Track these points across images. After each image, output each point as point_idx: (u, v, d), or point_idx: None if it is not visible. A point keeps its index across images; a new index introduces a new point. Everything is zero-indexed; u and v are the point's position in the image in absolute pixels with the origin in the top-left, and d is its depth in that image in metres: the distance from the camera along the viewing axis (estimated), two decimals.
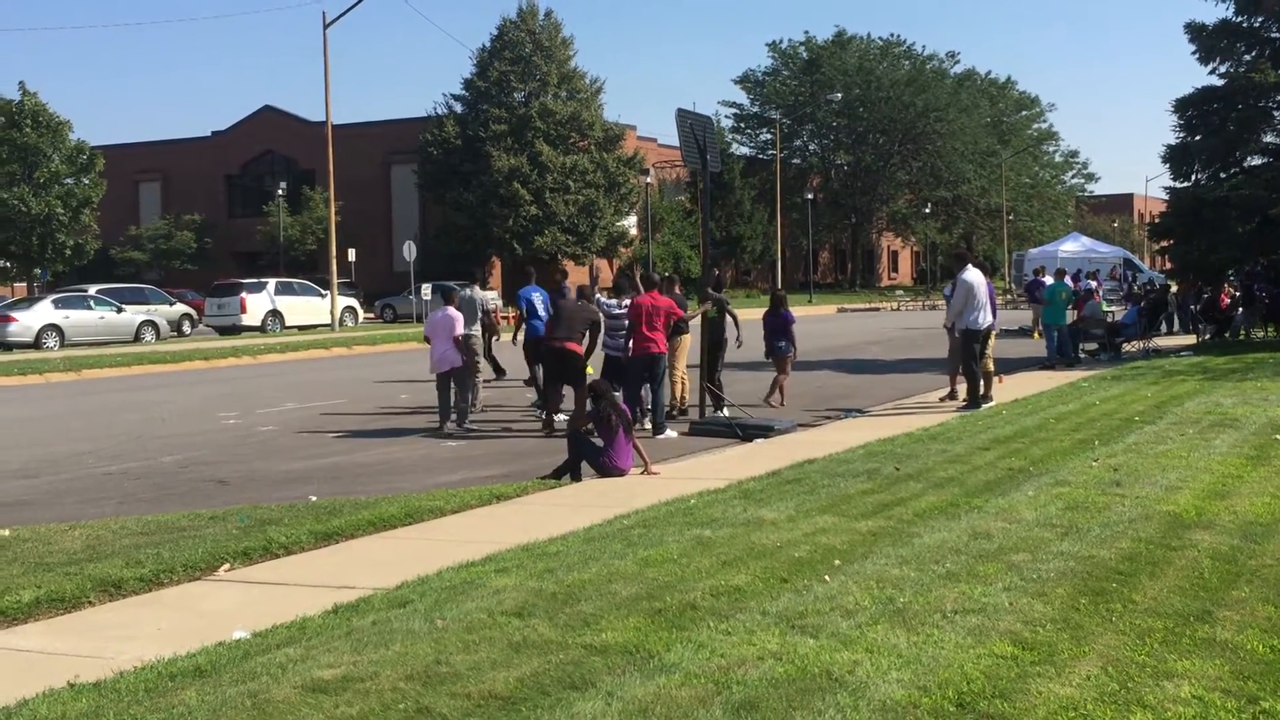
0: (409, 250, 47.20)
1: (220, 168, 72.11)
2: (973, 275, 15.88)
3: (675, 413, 15.57)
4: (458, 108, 61.59)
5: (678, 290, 16.31)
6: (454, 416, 15.15)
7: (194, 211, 68.53)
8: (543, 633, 5.67)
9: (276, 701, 4.83)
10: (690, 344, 16.46)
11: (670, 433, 14.32)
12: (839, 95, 78.90)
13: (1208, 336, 27.90)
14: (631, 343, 14.29)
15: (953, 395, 16.77)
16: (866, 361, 25.94)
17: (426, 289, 44.44)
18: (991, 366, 16.34)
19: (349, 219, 57.87)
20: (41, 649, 6.02)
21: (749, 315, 19.66)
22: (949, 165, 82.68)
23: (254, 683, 5.07)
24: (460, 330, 15.18)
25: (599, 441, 11.20)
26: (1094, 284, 32.22)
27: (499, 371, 20.63)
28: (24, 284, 54.47)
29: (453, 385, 15.13)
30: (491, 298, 19.00)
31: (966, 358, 15.70)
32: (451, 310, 15.38)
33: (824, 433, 14.15)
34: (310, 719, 4.65)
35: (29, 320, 35.12)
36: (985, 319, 15.76)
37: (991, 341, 16.45)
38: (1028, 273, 41.18)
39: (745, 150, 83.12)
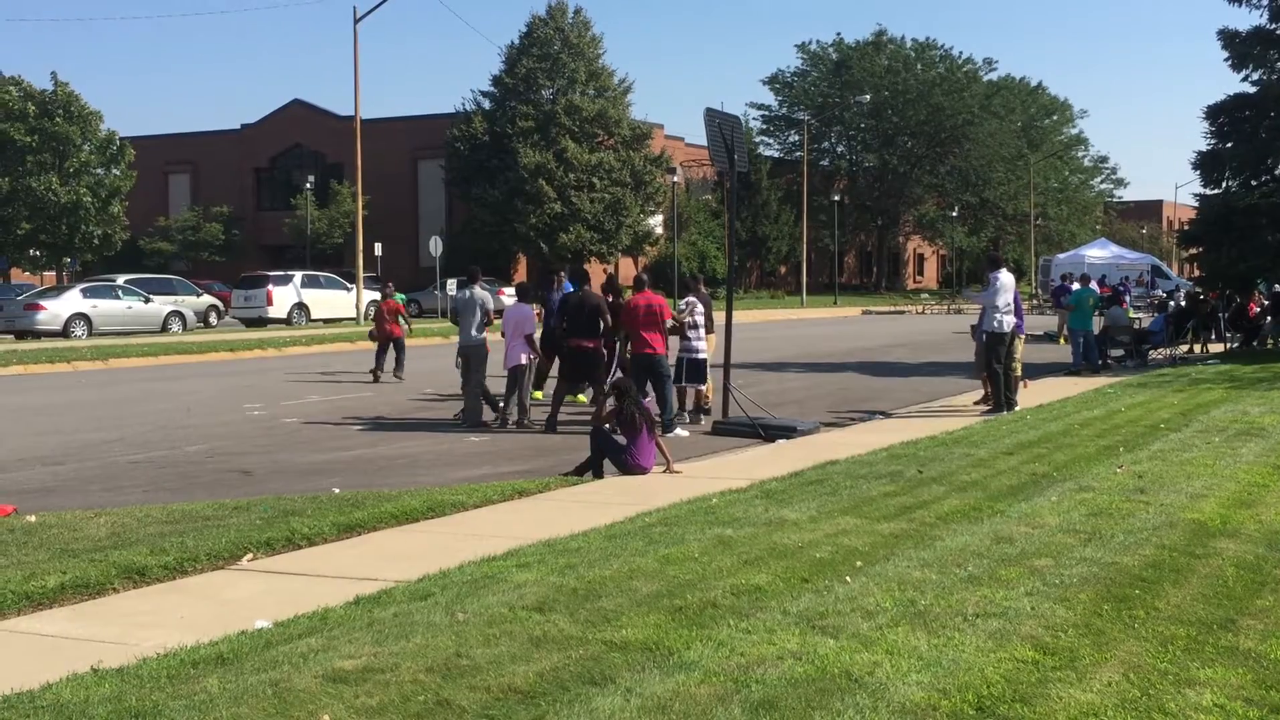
0: (435, 245, 47.26)
1: (249, 160, 72.41)
2: (1005, 278, 15.97)
3: (701, 412, 15.53)
4: (485, 104, 61.57)
5: (703, 289, 16.38)
6: (514, 412, 15.16)
7: (222, 204, 68.79)
8: (563, 628, 5.68)
9: (298, 690, 4.86)
10: (716, 343, 16.45)
11: (681, 431, 14.28)
12: (867, 97, 78.54)
13: (1236, 345, 27.69)
14: (630, 345, 14.49)
15: (986, 399, 16.72)
16: (891, 364, 25.87)
17: (451, 284, 44.52)
18: (1019, 371, 16.42)
19: (376, 213, 58.01)
20: (66, 634, 6.07)
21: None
22: (977, 169, 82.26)
23: (275, 671, 5.11)
24: (531, 328, 15.32)
25: (622, 439, 11.22)
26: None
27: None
28: (53, 273, 54.88)
29: (517, 379, 15.15)
30: (487, 297, 16.49)
31: (990, 360, 15.69)
32: (525, 306, 15.89)
33: (847, 434, 14.13)
34: (331, 709, 4.68)
35: (57, 309, 35.38)
36: (1009, 322, 15.80)
37: (1020, 346, 16.48)
38: (1054, 278, 40.97)
39: (773, 152, 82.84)
